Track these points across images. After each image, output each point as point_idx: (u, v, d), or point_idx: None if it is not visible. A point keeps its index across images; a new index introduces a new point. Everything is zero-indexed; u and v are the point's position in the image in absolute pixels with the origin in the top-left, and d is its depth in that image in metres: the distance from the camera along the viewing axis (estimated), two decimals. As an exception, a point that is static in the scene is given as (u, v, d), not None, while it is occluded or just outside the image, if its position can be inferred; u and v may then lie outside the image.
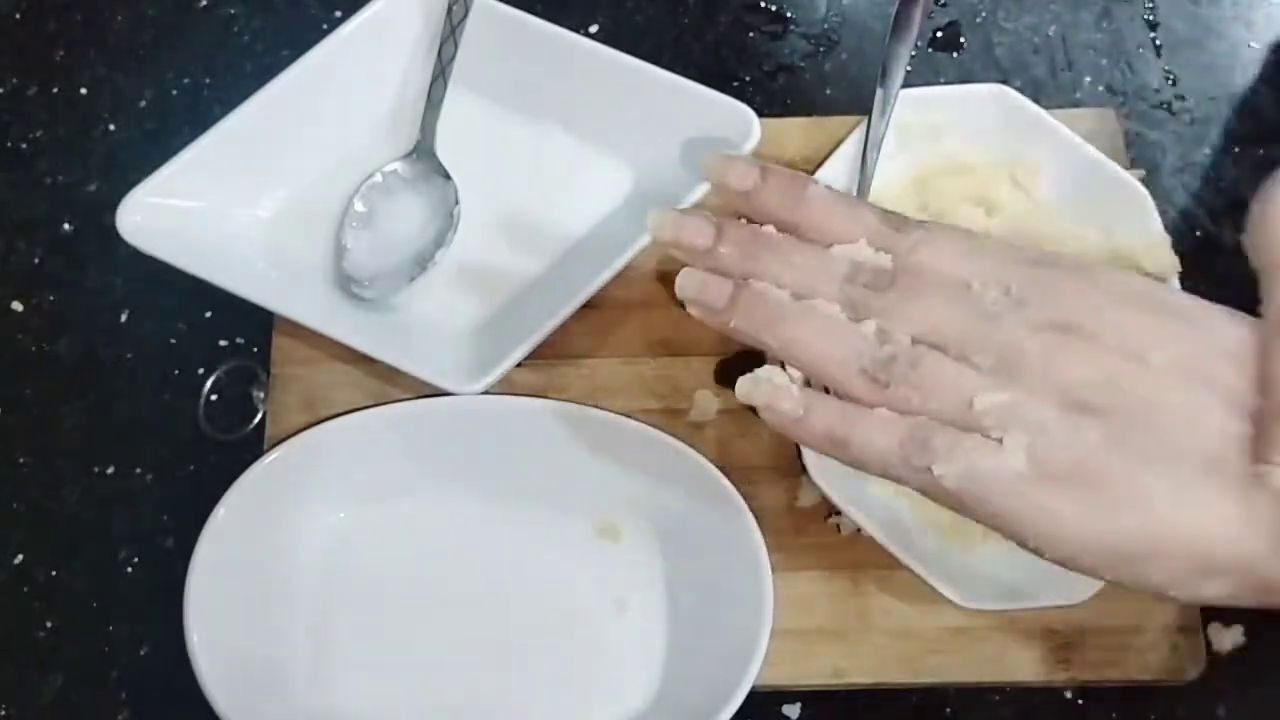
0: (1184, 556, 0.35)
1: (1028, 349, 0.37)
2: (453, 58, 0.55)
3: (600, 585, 0.51)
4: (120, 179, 0.51)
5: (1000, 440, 0.36)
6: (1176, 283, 0.50)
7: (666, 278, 0.54)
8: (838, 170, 0.53)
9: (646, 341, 0.54)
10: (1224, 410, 0.36)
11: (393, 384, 0.53)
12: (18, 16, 0.63)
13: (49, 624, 0.53)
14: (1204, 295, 0.38)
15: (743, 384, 0.38)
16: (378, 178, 0.55)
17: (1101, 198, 0.52)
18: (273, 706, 0.49)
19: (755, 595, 0.47)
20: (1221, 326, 0.37)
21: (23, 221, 0.59)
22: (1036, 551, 0.36)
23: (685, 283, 0.40)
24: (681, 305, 0.40)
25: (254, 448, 0.53)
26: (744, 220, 0.40)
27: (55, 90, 0.62)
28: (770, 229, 0.40)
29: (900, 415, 0.37)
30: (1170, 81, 0.60)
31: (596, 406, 0.51)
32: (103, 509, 0.55)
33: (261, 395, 0.55)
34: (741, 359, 0.53)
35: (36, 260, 0.59)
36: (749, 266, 0.39)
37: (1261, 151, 0.58)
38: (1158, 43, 0.61)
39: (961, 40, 0.61)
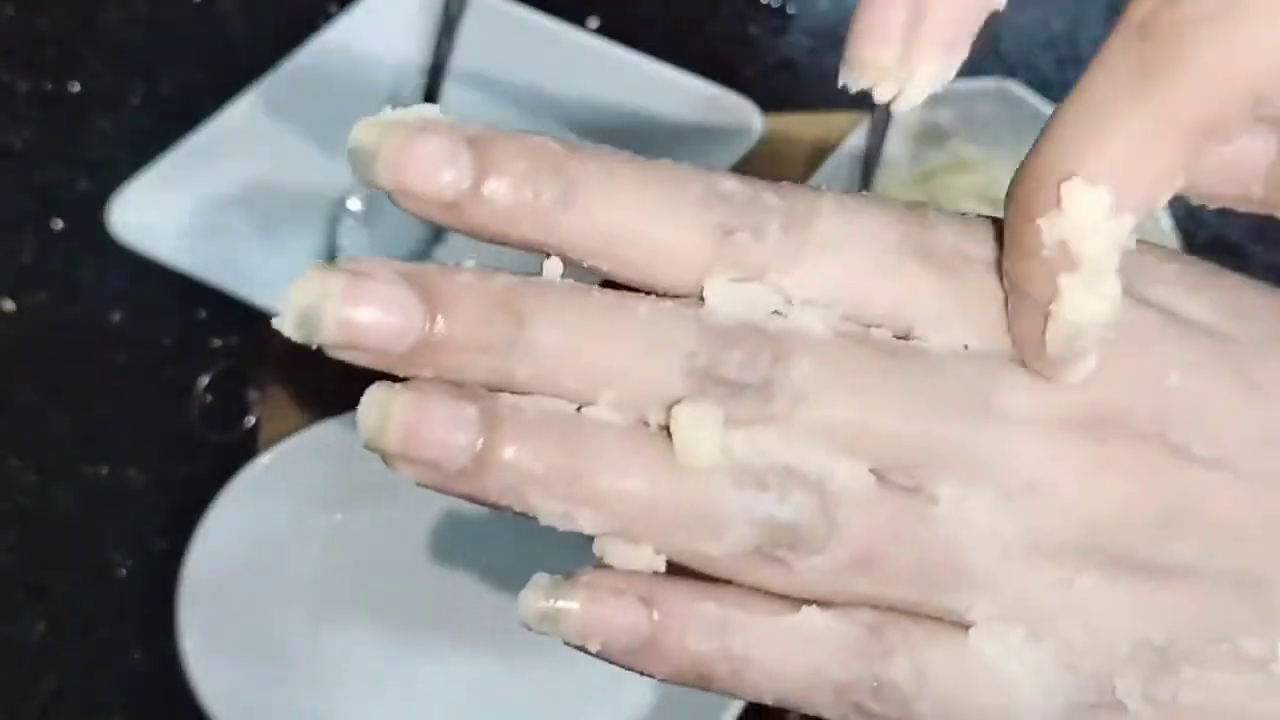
0: None
1: (1019, 461, 0.20)
2: (449, 52, 0.55)
3: (599, 588, 0.51)
4: (112, 177, 0.51)
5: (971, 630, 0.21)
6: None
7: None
8: (841, 167, 0.52)
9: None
10: None
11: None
12: (10, 14, 0.63)
13: (40, 627, 0.53)
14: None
15: (528, 603, 0.22)
16: (374, 175, 0.55)
17: (1108, 195, 0.51)
18: (267, 709, 0.49)
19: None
20: None
21: (14, 220, 0.59)
22: None
23: (369, 417, 0.21)
24: None
25: (248, 449, 0.53)
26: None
27: (47, 88, 0.61)
28: (551, 268, 0.21)
29: (831, 611, 0.21)
30: (1177, 77, 0.59)
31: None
32: (95, 510, 0.54)
33: (255, 396, 0.55)
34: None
35: (28, 259, 0.58)
36: (502, 365, 0.20)
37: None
38: (1164, 37, 0.60)
39: (966, 35, 0.60)
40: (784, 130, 0.54)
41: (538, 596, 0.22)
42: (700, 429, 0.20)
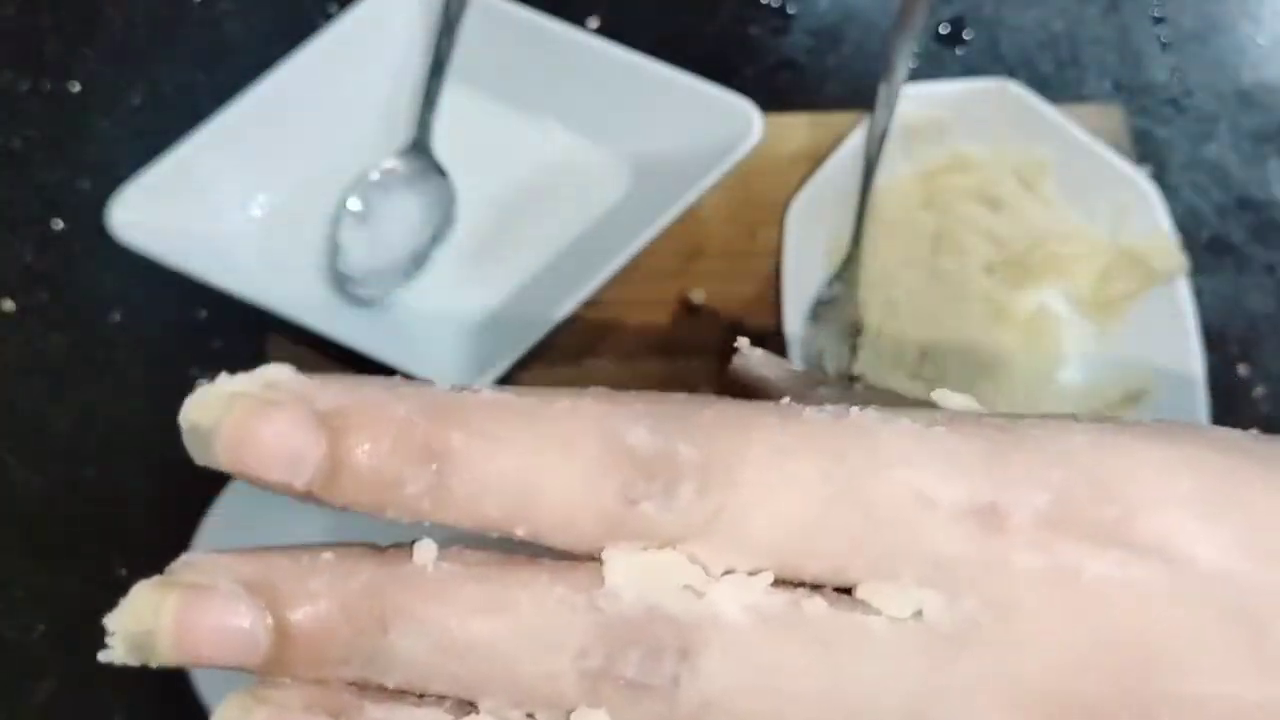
0: None
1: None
2: (449, 52, 0.54)
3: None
4: (112, 177, 0.51)
5: None
6: (1185, 281, 0.49)
7: (667, 276, 0.53)
8: (841, 168, 0.52)
9: (646, 341, 0.53)
10: None
11: (389, 384, 0.52)
12: (10, 12, 0.62)
13: (40, 628, 0.53)
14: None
15: None
16: (373, 175, 0.55)
17: (1108, 195, 0.51)
18: (268, 711, 0.48)
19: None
20: None
21: (14, 220, 0.59)
22: None
23: None
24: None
25: (248, 449, 0.53)
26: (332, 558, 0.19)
27: (47, 88, 0.61)
28: (423, 554, 0.18)
29: None
30: (1177, 77, 0.59)
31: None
32: (94, 512, 0.54)
33: (256, 396, 0.55)
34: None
35: (28, 259, 0.58)
36: (368, 674, 0.18)
37: (1270, 148, 0.57)
38: (1164, 38, 0.60)
39: (966, 35, 0.60)
40: (784, 130, 0.54)
41: None
42: None
